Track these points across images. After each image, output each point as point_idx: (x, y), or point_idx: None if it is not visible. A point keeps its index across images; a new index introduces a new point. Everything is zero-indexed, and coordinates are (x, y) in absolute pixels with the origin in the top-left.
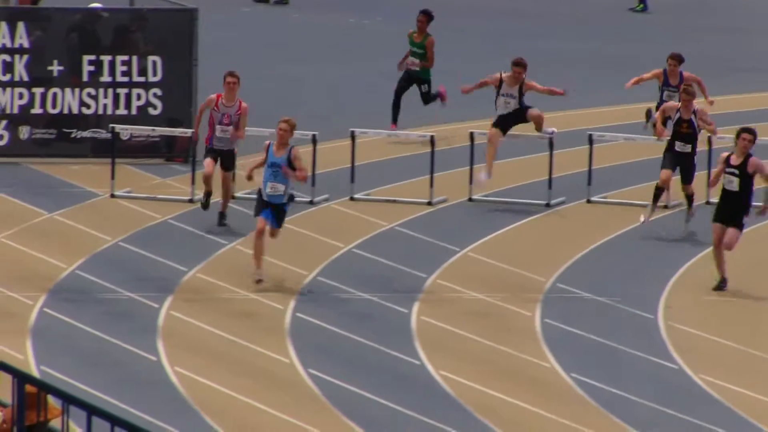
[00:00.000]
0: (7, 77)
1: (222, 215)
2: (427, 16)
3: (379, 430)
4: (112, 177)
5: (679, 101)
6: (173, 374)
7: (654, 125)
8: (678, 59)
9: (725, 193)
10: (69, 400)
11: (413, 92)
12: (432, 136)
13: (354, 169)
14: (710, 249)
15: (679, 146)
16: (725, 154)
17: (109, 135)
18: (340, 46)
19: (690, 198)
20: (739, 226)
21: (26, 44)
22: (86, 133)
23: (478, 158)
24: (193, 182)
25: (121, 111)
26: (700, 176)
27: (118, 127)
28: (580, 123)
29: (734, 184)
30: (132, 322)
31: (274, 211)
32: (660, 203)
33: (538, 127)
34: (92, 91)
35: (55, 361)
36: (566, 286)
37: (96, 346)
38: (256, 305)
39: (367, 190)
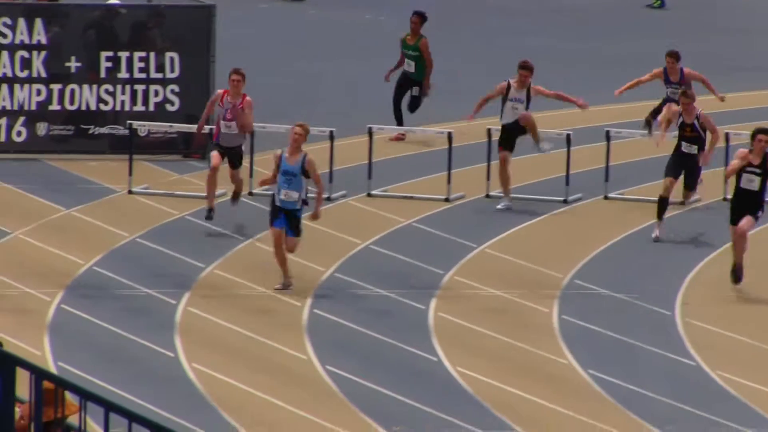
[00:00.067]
0: (25, 73)
1: (234, 201)
2: (420, 17)
3: (396, 426)
4: (130, 173)
5: (680, 105)
6: (191, 370)
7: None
8: (675, 56)
9: (742, 192)
10: (86, 396)
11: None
12: (450, 133)
13: (371, 166)
14: (727, 245)
15: (685, 147)
16: (744, 150)
17: (126, 131)
18: (358, 42)
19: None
20: (755, 217)
21: (44, 41)
22: (104, 130)
23: (495, 155)
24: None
25: (139, 107)
26: (717, 172)
27: (135, 124)
28: (597, 119)
29: (755, 183)
30: (149, 318)
31: (288, 217)
32: (675, 201)
33: (533, 132)
34: (110, 87)
35: (73, 357)
36: (584, 283)
37: (113, 343)
38: (274, 302)
39: (385, 187)
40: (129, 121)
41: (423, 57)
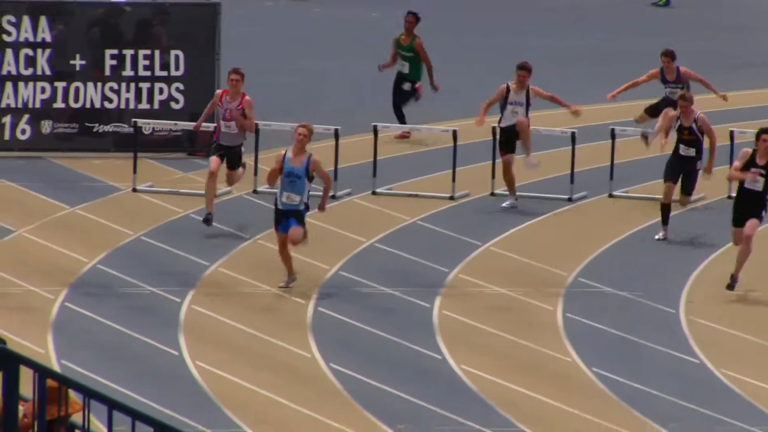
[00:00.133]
0: (30, 71)
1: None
2: (414, 17)
3: (401, 425)
4: (134, 171)
5: (678, 108)
6: (195, 368)
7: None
8: (670, 55)
9: (745, 192)
10: (90, 394)
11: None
12: (455, 131)
13: (376, 164)
14: (731, 244)
15: (683, 149)
16: (747, 150)
17: (131, 129)
18: (363, 40)
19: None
20: (759, 218)
21: (48, 38)
22: (108, 128)
23: (499, 153)
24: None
25: (144, 105)
26: (722, 170)
27: (140, 122)
28: (602, 118)
29: (760, 184)
30: (153, 316)
31: (291, 217)
32: (675, 199)
33: (525, 141)
34: (114, 85)
35: (77, 355)
36: (588, 281)
37: (117, 341)
38: (278, 300)
39: (390, 185)
40: (133, 119)
41: (418, 57)
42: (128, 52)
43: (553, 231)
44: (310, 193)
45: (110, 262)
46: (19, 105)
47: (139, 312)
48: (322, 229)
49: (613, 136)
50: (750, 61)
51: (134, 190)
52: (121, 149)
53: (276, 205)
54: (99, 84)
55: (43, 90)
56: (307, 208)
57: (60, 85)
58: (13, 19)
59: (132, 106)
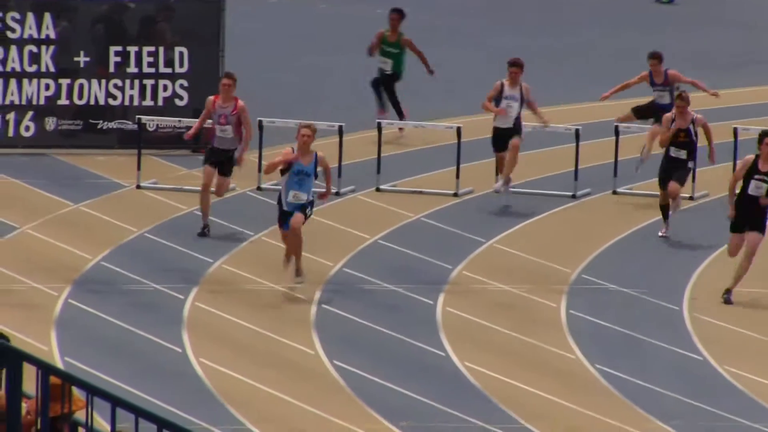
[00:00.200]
0: (34, 68)
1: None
2: (400, 14)
3: (404, 421)
4: (138, 168)
5: (674, 108)
6: (198, 365)
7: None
8: (658, 58)
9: (748, 198)
10: (93, 391)
11: (408, 87)
12: (459, 128)
13: (380, 160)
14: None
15: (673, 151)
16: (749, 157)
17: (135, 126)
18: (368, 37)
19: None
20: (762, 230)
21: (53, 35)
22: (112, 124)
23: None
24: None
25: (148, 102)
26: (726, 167)
27: (144, 119)
28: (605, 114)
29: (763, 190)
30: (157, 313)
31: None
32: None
33: (511, 158)
34: (118, 82)
35: (80, 352)
36: (592, 278)
37: (120, 338)
38: (282, 296)
39: (394, 181)
40: (138, 116)
41: (403, 53)
42: (132, 49)
43: (556, 228)
44: (313, 191)
45: (114, 259)
46: (23, 102)
47: (142, 309)
48: (326, 225)
49: (617, 133)
50: (753, 58)
51: (138, 186)
52: (125, 146)
53: (280, 204)
54: (103, 81)
55: (47, 87)
56: (312, 205)
57: (64, 81)
58: (17, 15)
59: (136, 102)
